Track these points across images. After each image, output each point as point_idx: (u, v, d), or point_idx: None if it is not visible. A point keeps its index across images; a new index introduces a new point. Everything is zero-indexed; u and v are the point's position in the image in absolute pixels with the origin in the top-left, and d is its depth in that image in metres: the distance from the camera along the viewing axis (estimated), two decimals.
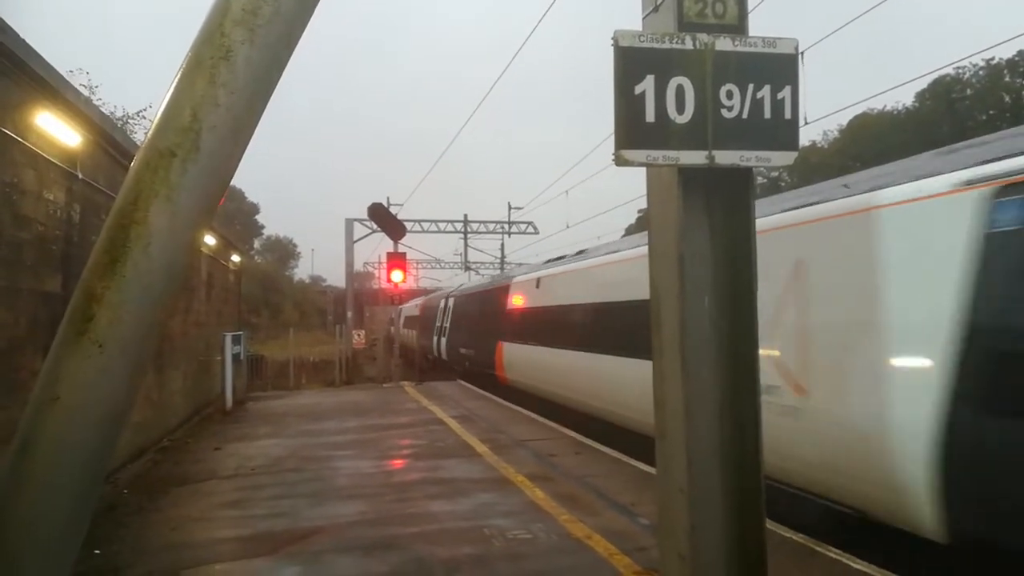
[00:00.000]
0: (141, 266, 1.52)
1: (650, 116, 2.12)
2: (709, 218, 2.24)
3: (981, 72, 43.15)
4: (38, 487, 1.48)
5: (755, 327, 2.21)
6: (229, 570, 5.71)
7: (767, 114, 2.22)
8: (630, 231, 39.73)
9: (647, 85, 2.11)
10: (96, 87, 25.47)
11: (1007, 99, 43.04)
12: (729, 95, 2.18)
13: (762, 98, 2.21)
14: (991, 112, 43.00)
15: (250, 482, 8.61)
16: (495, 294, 19.74)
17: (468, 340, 22.83)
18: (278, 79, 1.64)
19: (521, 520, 6.76)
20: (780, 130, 2.24)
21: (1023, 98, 42.53)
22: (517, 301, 17.27)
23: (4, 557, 1.48)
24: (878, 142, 42.53)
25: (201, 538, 6.50)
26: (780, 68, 2.24)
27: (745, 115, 2.20)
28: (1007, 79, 42.27)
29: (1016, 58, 41.52)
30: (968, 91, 43.77)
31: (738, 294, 2.21)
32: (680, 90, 2.14)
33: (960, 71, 43.12)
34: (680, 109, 2.14)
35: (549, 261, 16.94)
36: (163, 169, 1.52)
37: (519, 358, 16.58)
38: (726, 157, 2.18)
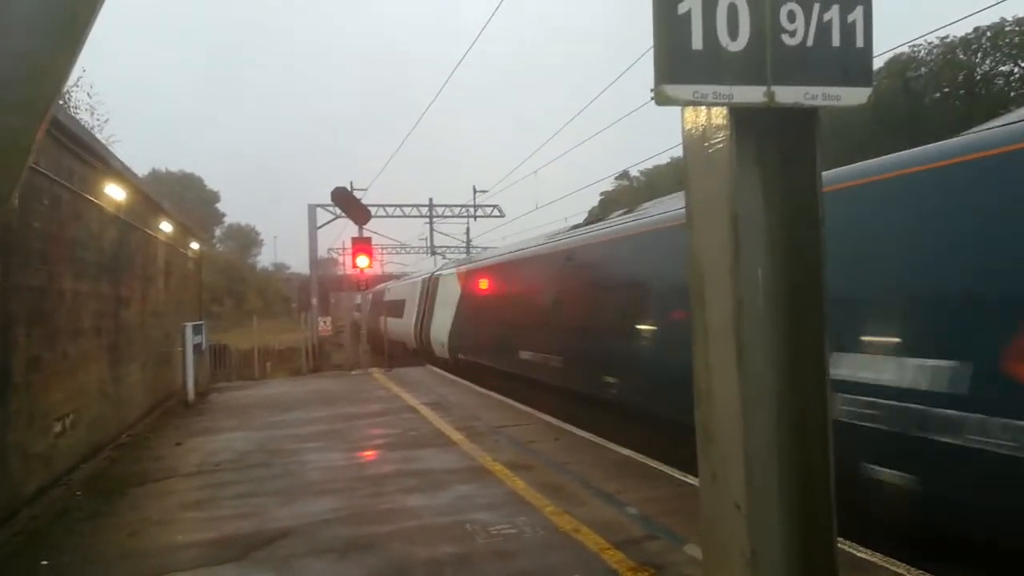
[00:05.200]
0: None
1: (697, 43, 1.70)
2: (762, 171, 1.83)
3: (936, 50, 43.36)
4: None
5: (822, 304, 1.79)
6: None
7: (835, 41, 1.80)
8: (592, 213, 39.60)
9: (692, 3, 1.70)
10: None
11: (960, 77, 43.38)
12: (791, 17, 1.76)
13: (829, 20, 1.78)
14: (945, 90, 43.34)
15: (214, 480, 8.12)
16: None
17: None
18: None
19: (504, 513, 6.41)
20: (850, 60, 1.82)
21: (975, 75, 42.95)
22: None
23: None
24: (835, 119, 42.67)
25: (161, 544, 6.02)
26: None
27: (810, 42, 1.78)
28: (961, 56, 42.52)
29: (970, 35, 41.84)
30: (922, 69, 43.95)
31: (800, 265, 1.80)
32: (733, 9, 1.72)
33: (915, 49, 43.30)
34: (733, 34, 1.72)
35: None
36: None
37: None
38: (788, 94, 1.77)
